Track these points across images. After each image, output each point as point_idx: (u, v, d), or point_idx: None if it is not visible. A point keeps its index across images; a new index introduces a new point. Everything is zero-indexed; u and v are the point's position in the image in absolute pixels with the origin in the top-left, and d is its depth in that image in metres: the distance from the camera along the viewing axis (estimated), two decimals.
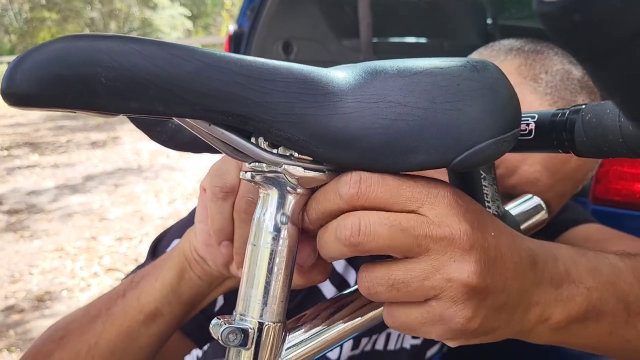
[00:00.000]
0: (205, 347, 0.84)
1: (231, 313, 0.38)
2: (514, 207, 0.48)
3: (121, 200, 4.53)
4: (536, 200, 0.49)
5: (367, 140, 0.33)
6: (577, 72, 0.64)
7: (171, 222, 3.91)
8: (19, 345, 2.32)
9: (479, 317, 0.35)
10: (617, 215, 1.21)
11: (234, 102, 0.31)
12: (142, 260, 0.71)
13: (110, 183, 5.14)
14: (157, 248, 0.69)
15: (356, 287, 0.40)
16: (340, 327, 0.40)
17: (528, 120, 0.40)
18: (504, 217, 0.46)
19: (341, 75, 0.35)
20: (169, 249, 0.66)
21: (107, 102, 0.29)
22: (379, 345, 0.77)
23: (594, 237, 0.70)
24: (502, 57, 0.68)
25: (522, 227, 0.48)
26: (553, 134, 0.38)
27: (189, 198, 4.56)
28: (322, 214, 0.36)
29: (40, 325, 2.45)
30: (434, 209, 0.34)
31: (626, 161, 1.16)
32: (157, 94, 0.29)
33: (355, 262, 0.71)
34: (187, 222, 0.69)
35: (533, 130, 0.39)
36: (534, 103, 0.61)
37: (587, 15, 0.13)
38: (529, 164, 0.61)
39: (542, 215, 0.49)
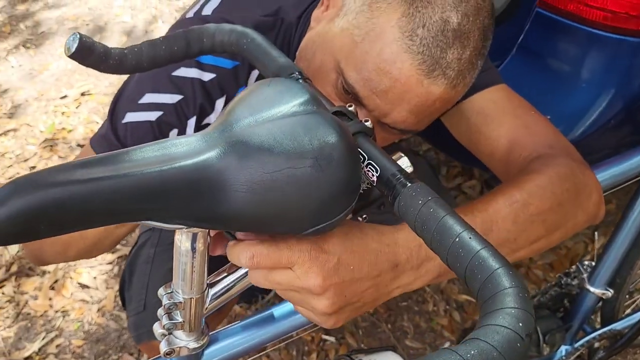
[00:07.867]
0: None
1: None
2: None
3: None
4: (405, 162, 0.56)
5: (248, 217, 0.44)
6: (455, 18, 0.64)
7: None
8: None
9: (339, 320, 0.55)
10: (558, 24, 1.24)
11: (132, 214, 0.39)
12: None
13: None
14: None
15: None
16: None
17: (373, 172, 0.48)
18: None
19: (227, 162, 0.41)
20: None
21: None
22: None
23: (486, 111, 0.81)
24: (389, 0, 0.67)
25: None
26: (385, 190, 0.47)
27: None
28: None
29: None
30: (300, 267, 0.51)
31: None
32: (75, 224, 0.38)
33: None
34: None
35: (375, 182, 0.49)
36: (406, 62, 0.65)
37: None
38: (397, 111, 0.69)
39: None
